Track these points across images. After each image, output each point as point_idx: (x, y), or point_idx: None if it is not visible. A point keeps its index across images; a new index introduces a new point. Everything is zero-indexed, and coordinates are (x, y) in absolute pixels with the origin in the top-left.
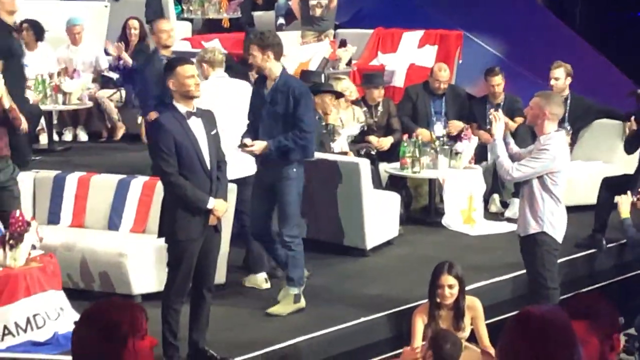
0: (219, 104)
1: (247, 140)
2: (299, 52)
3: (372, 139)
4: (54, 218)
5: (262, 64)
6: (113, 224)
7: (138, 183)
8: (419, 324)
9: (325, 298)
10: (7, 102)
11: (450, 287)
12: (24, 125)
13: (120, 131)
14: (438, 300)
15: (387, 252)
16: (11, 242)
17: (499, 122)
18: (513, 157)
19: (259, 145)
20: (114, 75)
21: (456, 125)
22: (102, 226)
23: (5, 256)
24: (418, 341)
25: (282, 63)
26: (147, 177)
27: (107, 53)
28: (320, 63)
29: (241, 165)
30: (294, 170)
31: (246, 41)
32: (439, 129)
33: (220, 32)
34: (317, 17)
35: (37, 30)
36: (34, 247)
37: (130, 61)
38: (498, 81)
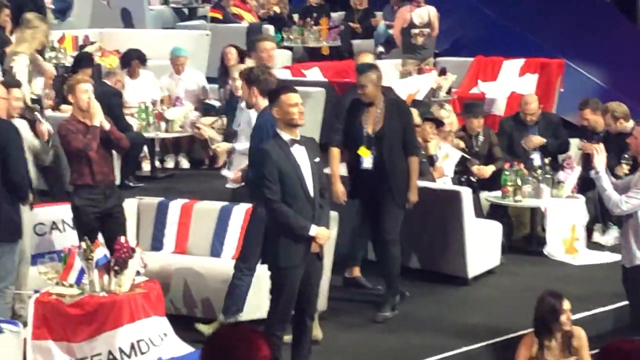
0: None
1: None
2: (407, 84)
3: (474, 167)
4: (157, 244)
5: (248, 99)
6: (215, 250)
7: (240, 210)
8: (525, 354)
9: (426, 327)
10: (107, 124)
11: (571, 312)
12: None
13: (222, 158)
14: (553, 328)
15: (489, 281)
16: (116, 268)
17: (601, 154)
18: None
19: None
20: (216, 103)
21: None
22: (205, 253)
23: (110, 282)
24: None
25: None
26: (249, 205)
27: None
28: (427, 93)
29: None
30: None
31: None
32: (537, 158)
33: (320, 60)
34: (418, 46)
35: (140, 59)
36: (138, 273)
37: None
38: (588, 114)
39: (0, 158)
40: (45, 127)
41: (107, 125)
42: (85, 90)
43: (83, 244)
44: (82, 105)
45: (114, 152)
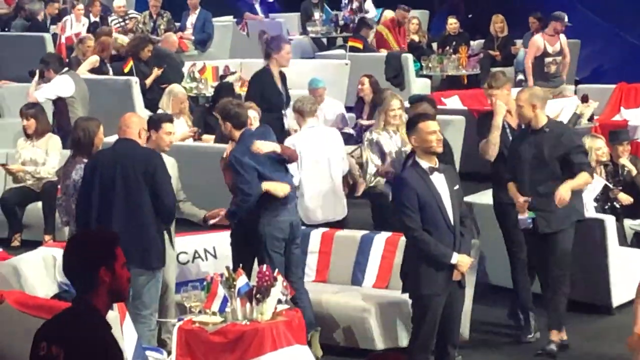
0: (310, 155)
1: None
2: (550, 106)
3: (620, 195)
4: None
5: (225, 132)
6: (356, 279)
7: (381, 239)
8: None
9: (569, 356)
10: (278, 147)
11: None
12: None
13: (362, 187)
14: None
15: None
16: (258, 296)
17: None
18: None
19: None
20: (352, 131)
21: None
22: (346, 281)
23: (252, 310)
24: None
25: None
26: (390, 233)
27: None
28: (570, 118)
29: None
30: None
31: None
32: None
33: (459, 88)
34: (551, 74)
35: None
36: (280, 301)
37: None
38: None
39: (150, 184)
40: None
41: (278, 148)
42: (253, 118)
43: (225, 272)
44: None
45: None
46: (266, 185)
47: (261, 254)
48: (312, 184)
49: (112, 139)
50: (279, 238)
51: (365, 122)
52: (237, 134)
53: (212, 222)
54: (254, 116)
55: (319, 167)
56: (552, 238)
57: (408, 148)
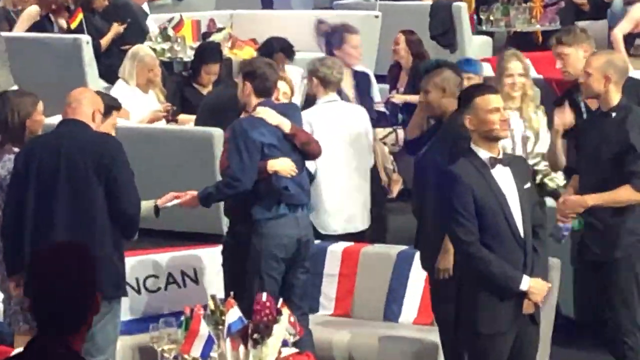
0: (328, 135)
1: None
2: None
3: None
4: (311, 304)
5: (240, 96)
6: (390, 312)
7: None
8: None
9: None
10: (287, 126)
11: None
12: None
13: (397, 186)
14: None
15: None
16: (255, 336)
17: None
18: None
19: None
20: (384, 109)
21: None
22: (376, 316)
23: (248, 355)
24: None
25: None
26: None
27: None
28: None
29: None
30: None
31: None
32: None
33: (532, 49)
34: None
35: (285, 51)
36: (285, 343)
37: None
38: None
39: (106, 183)
40: None
41: (287, 126)
42: (282, 93)
43: (210, 303)
44: None
45: None
46: (274, 165)
47: (250, 276)
48: (331, 180)
49: (56, 120)
50: (279, 258)
51: (400, 97)
52: (255, 101)
53: (168, 204)
54: (283, 90)
55: (340, 157)
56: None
57: (531, 134)
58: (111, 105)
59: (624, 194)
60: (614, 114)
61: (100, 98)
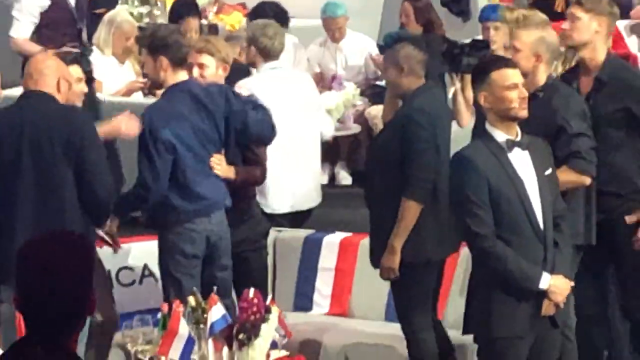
0: (271, 105)
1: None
2: None
3: None
4: (303, 301)
5: (153, 73)
6: (393, 311)
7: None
8: None
9: None
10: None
11: None
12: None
13: None
14: None
15: None
16: (241, 336)
17: None
18: None
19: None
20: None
21: None
22: (377, 315)
23: (233, 358)
24: None
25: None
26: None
27: None
28: None
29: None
30: None
31: None
32: None
33: (551, 18)
34: None
35: (278, 17)
36: (275, 345)
37: None
38: None
39: (75, 163)
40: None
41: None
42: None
43: (191, 299)
44: None
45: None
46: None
47: (163, 274)
48: (273, 152)
49: (16, 92)
50: (189, 254)
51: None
52: (171, 77)
53: None
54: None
55: (284, 127)
56: None
57: None
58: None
59: (563, 178)
60: (540, 94)
61: (62, 63)
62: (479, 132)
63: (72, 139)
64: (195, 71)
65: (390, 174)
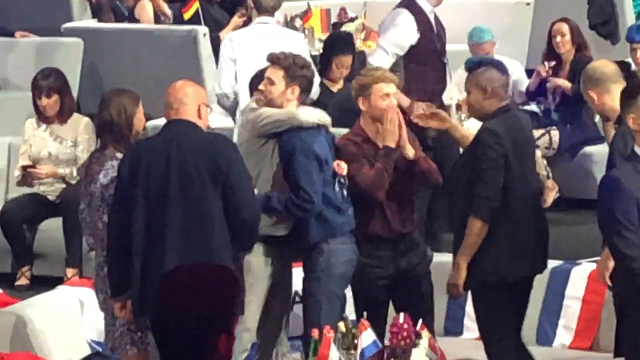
0: (255, 58)
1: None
2: None
3: None
4: (453, 325)
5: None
6: (544, 334)
7: (581, 273)
8: None
9: None
10: (412, 150)
11: None
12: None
13: (552, 194)
14: None
15: None
16: None
17: None
18: None
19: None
20: (536, 109)
21: None
22: (528, 340)
23: None
24: None
25: None
26: (594, 264)
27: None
28: None
29: None
30: None
31: None
32: None
33: None
34: None
35: None
36: None
37: (568, 85)
38: None
39: (223, 190)
40: None
41: (411, 152)
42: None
43: (341, 325)
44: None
45: None
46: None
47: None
48: None
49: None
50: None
51: (556, 81)
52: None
53: None
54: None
55: None
56: None
57: None
58: None
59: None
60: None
61: (202, 90)
62: (629, 155)
63: (219, 167)
64: None
65: (468, 195)
